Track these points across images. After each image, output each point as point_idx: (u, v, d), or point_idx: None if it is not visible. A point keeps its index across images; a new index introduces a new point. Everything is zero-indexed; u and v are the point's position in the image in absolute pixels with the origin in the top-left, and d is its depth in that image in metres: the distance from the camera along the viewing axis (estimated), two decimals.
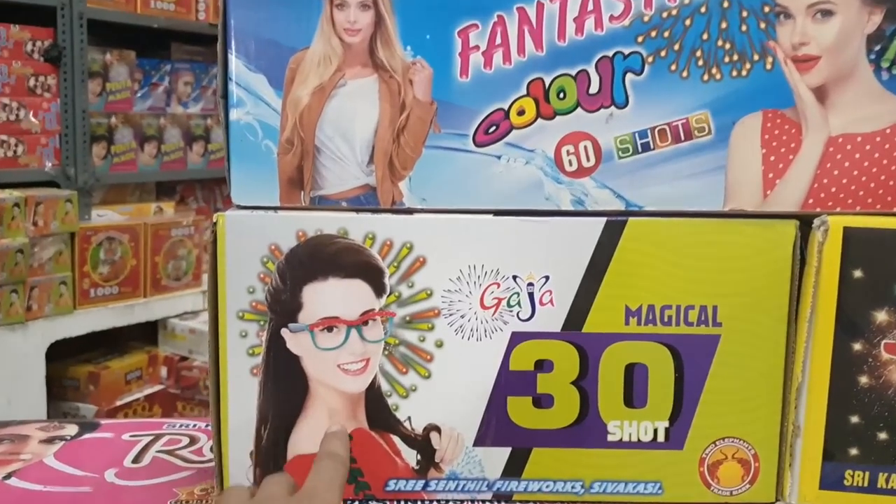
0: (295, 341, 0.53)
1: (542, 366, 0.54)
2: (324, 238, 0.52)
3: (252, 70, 0.52)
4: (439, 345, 0.53)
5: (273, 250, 0.52)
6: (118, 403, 2.25)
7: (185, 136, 2.61)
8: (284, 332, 0.53)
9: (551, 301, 0.53)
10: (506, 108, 0.52)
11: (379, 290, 0.53)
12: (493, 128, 0.53)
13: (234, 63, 0.52)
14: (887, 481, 0.53)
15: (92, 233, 2.21)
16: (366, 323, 0.53)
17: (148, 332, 2.44)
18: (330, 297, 0.53)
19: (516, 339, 0.53)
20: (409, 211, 0.53)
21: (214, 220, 0.53)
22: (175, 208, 2.64)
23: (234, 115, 0.53)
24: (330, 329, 0.53)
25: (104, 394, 2.23)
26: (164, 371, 2.41)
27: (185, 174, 2.65)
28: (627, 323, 0.53)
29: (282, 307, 0.53)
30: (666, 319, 0.53)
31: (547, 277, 0.53)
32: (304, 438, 0.54)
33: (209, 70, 2.69)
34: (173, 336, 2.46)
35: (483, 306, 0.53)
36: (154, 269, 2.35)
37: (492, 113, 0.52)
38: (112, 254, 2.27)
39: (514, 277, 0.53)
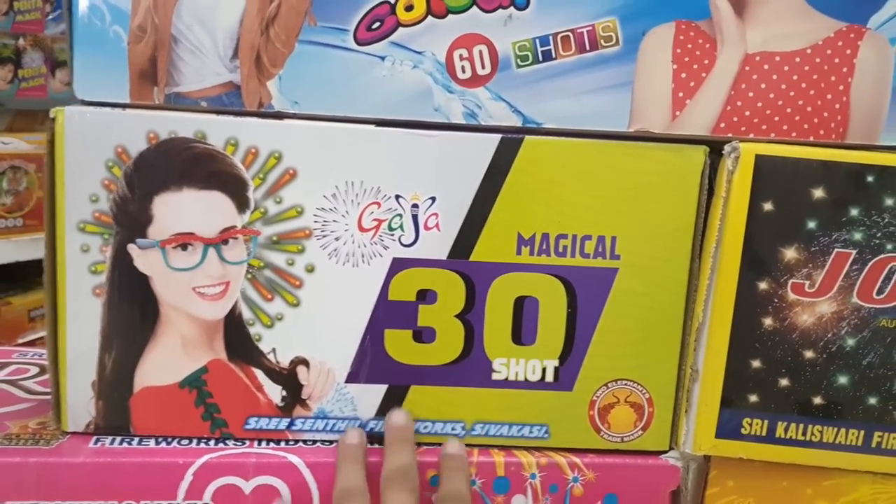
0: (144, 259, 0.47)
1: (425, 296, 0.48)
2: (178, 142, 0.46)
3: None
4: (310, 269, 0.48)
5: (120, 153, 0.46)
6: (20, 341, 2.14)
7: None
8: (132, 247, 0.47)
9: (437, 225, 0.48)
10: (392, 0, 0.46)
11: (241, 204, 0.47)
12: (377, 23, 0.46)
13: None
14: (785, 430, 0.50)
15: None
16: (226, 242, 0.47)
17: None
18: (185, 209, 0.46)
19: (397, 265, 0.48)
20: (279, 115, 0.47)
21: (52, 116, 0.46)
22: None
23: None
24: (184, 247, 0.47)
25: (4, 331, 2.11)
26: None
27: None
28: (519, 252, 0.48)
29: (129, 219, 0.46)
30: (561, 250, 0.48)
31: (433, 199, 0.48)
32: (154, 369, 0.48)
33: None
34: None
35: (361, 228, 0.48)
36: None
37: (376, 6, 0.46)
38: (16, 184, 2.14)
39: (397, 197, 0.48)
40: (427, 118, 0.48)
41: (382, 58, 0.47)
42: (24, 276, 2.30)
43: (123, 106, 0.46)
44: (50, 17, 2.37)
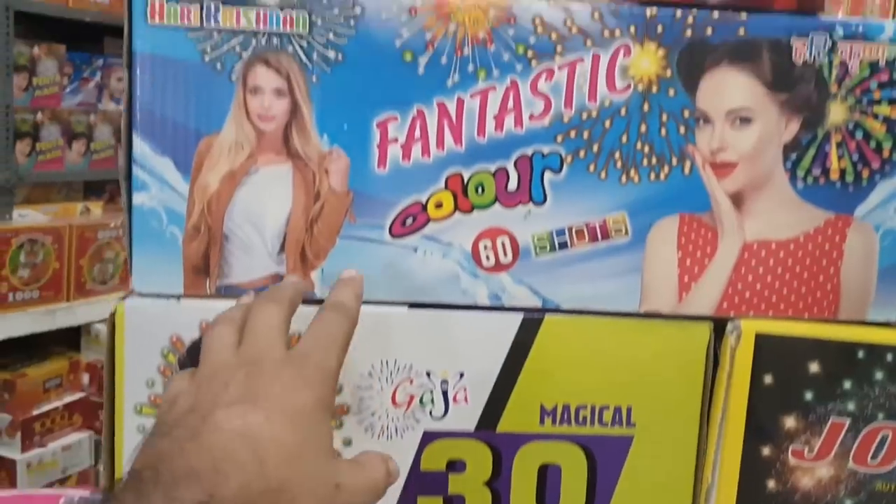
0: None
1: (455, 466, 0.53)
2: None
3: (158, 153, 0.50)
4: (347, 443, 0.52)
5: (175, 342, 0.50)
6: (35, 413, 2.17)
7: (117, 133, 2.53)
8: None
9: (465, 399, 0.52)
10: (423, 200, 0.51)
11: None
12: (411, 220, 0.51)
13: (139, 145, 0.50)
14: None
15: (12, 234, 2.13)
16: None
17: (70, 338, 2.37)
18: None
19: (428, 437, 0.52)
20: (320, 302, 0.51)
21: (113, 310, 0.50)
22: (104, 208, 2.56)
23: (137, 199, 0.50)
24: None
25: (21, 402, 2.15)
26: (86, 378, 2.34)
27: (116, 173, 2.57)
28: (542, 423, 0.53)
29: None
30: (581, 419, 0.53)
31: (461, 374, 0.52)
32: None
33: None
34: (97, 342, 2.38)
35: (395, 403, 0.52)
36: (79, 272, 2.28)
37: (409, 205, 0.51)
38: (34, 256, 2.19)
39: (428, 374, 0.52)
40: (455, 301, 0.52)
41: (415, 249, 0.51)
42: (40, 347, 2.34)
43: (178, 297, 0.51)
44: (67, 90, 2.44)
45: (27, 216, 2.28)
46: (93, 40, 2.56)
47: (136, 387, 0.50)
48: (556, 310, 0.52)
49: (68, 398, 2.26)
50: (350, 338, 0.42)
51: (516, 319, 0.52)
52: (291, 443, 0.36)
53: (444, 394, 0.52)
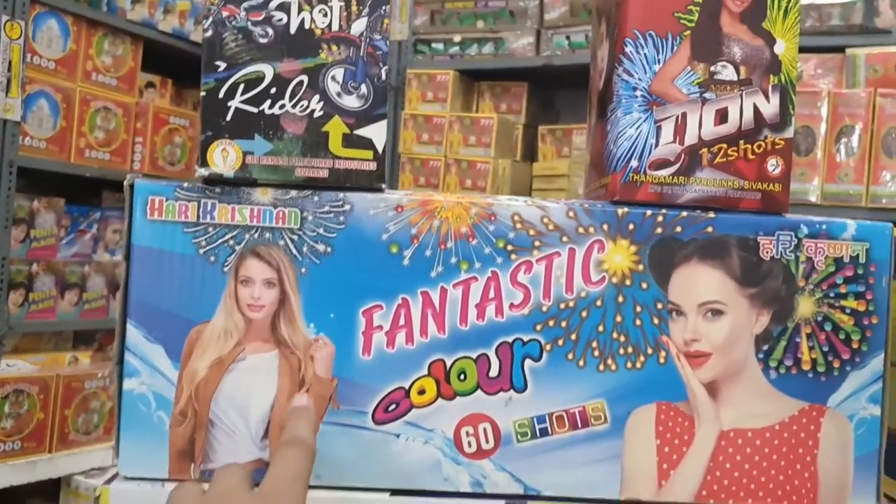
0: None
1: None
2: None
3: (150, 340, 0.51)
4: None
5: None
6: None
7: (110, 284, 2.56)
8: None
9: None
10: (406, 387, 0.52)
11: None
12: (393, 406, 0.52)
13: (132, 332, 0.51)
14: None
15: None
16: None
17: (49, 489, 2.30)
18: None
19: None
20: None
21: (97, 494, 0.50)
22: (92, 357, 2.55)
23: (127, 384, 0.51)
24: None
25: None
26: None
27: (107, 322, 2.58)
28: None
29: None
30: None
31: None
32: None
33: None
34: (76, 495, 2.32)
35: None
36: (63, 422, 2.25)
37: (392, 391, 0.52)
38: (18, 407, 2.17)
39: None
40: (437, 488, 0.52)
41: (397, 435, 0.52)
42: (17, 499, 2.28)
43: (163, 481, 0.51)
44: (63, 241, 2.49)
45: (15, 366, 2.27)
46: (91, 194, 2.64)
47: None
48: (538, 497, 0.53)
49: None
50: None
51: None
52: None
53: None
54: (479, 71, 2.73)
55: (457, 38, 2.77)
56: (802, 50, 2.19)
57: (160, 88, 2.72)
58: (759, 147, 0.53)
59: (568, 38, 2.60)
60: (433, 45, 2.80)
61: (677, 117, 0.53)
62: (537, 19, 2.66)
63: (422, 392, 0.52)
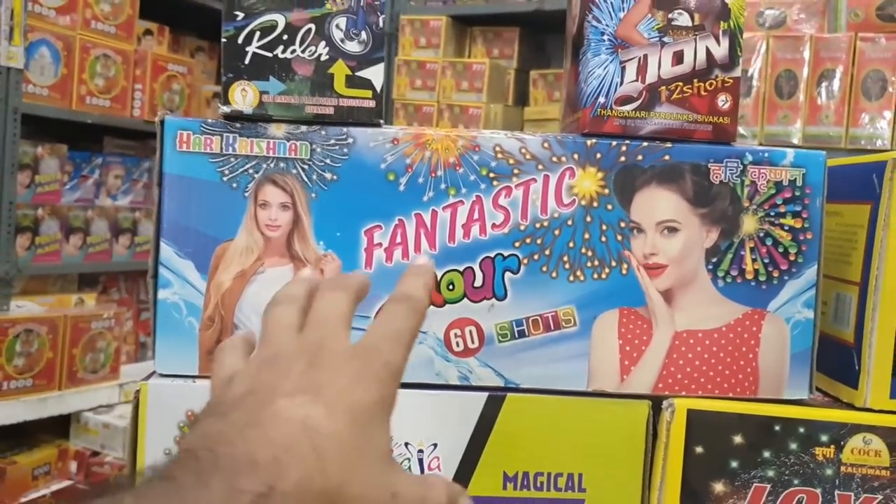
0: None
1: None
2: None
3: (181, 256, 0.59)
4: None
5: (190, 416, 0.59)
6: (23, 500, 2.20)
7: (112, 228, 2.63)
8: None
9: (438, 466, 0.60)
10: None
11: None
12: None
13: (165, 249, 0.59)
14: None
15: (9, 325, 2.20)
16: None
17: (59, 425, 2.41)
18: None
19: None
20: None
21: (137, 388, 0.59)
22: (97, 299, 2.64)
23: (161, 294, 0.59)
24: None
25: (9, 490, 2.18)
26: (73, 466, 2.37)
27: (110, 266, 2.66)
28: (505, 488, 0.61)
29: None
30: (538, 485, 0.61)
31: (435, 445, 0.60)
32: None
33: (140, 164, 2.75)
34: (86, 430, 2.43)
35: None
36: (71, 361, 2.34)
37: None
38: (29, 346, 2.26)
39: (406, 444, 0.60)
40: (430, 381, 0.61)
41: None
42: (29, 434, 2.38)
43: (193, 377, 0.60)
44: (67, 186, 2.55)
45: (24, 307, 2.36)
46: (93, 140, 2.69)
47: (156, 454, 0.58)
48: (517, 389, 0.61)
49: (56, 486, 2.29)
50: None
51: (482, 397, 0.61)
52: (351, 442, 0.34)
53: (420, 461, 0.60)
54: (472, 16, 2.78)
55: None
56: None
57: (157, 36, 2.76)
58: (710, 85, 0.61)
59: None
60: None
61: (639, 59, 0.61)
62: None
63: None
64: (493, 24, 2.76)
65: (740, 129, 2.34)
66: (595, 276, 0.61)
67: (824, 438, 0.60)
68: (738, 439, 0.60)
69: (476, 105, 2.64)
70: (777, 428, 0.60)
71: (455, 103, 2.67)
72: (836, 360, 0.65)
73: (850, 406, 0.62)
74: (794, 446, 0.60)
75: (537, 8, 2.62)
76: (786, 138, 2.30)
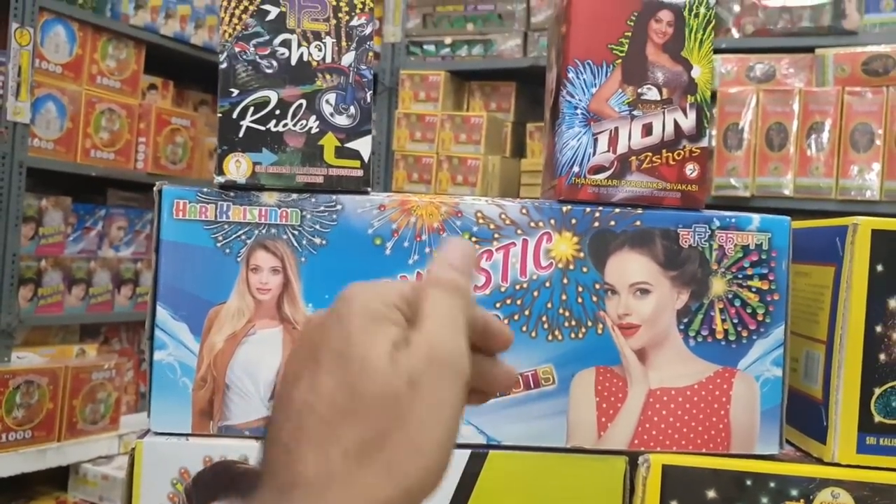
0: None
1: None
2: (227, 463, 0.61)
3: (176, 319, 0.62)
4: None
5: (182, 473, 0.61)
6: None
7: (115, 278, 2.67)
8: None
9: None
10: None
11: None
12: None
13: (161, 312, 0.62)
14: None
15: (10, 376, 2.22)
16: None
17: (59, 476, 2.41)
18: None
19: None
20: None
21: (133, 447, 0.61)
22: (98, 349, 2.66)
23: (157, 355, 0.62)
24: None
25: None
26: None
27: (112, 316, 2.69)
28: None
29: None
30: None
31: None
32: None
33: (143, 215, 2.79)
34: (84, 481, 2.43)
35: None
36: (71, 412, 2.35)
37: None
38: (29, 397, 2.27)
39: None
40: None
41: None
42: (27, 486, 2.39)
43: (187, 436, 0.62)
44: (70, 238, 2.60)
45: (25, 358, 2.38)
46: (97, 192, 2.74)
47: None
48: (498, 446, 0.64)
49: None
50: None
51: (465, 454, 0.63)
52: None
53: None
54: (470, 71, 2.84)
55: (448, 41, 2.87)
56: (776, 50, 2.30)
57: (162, 90, 2.83)
58: (678, 155, 0.64)
59: None
60: (425, 46, 2.90)
61: (611, 131, 0.64)
62: (524, 22, 2.77)
63: None
64: (490, 78, 2.82)
65: (732, 181, 2.39)
66: (572, 335, 0.64)
67: (794, 493, 0.62)
68: (711, 494, 0.62)
69: (474, 157, 2.68)
70: (749, 482, 0.62)
71: (454, 155, 2.72)
72: (807, 415, 0.67)
73: (820, 461, 0.65)
74: (765, 500, 0.62)
75: (533, 63, 2.68)
76: (777, 189, 2.34)
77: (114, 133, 2.56)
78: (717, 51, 2.49)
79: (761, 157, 2.35)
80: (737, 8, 2.51)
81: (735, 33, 2.51)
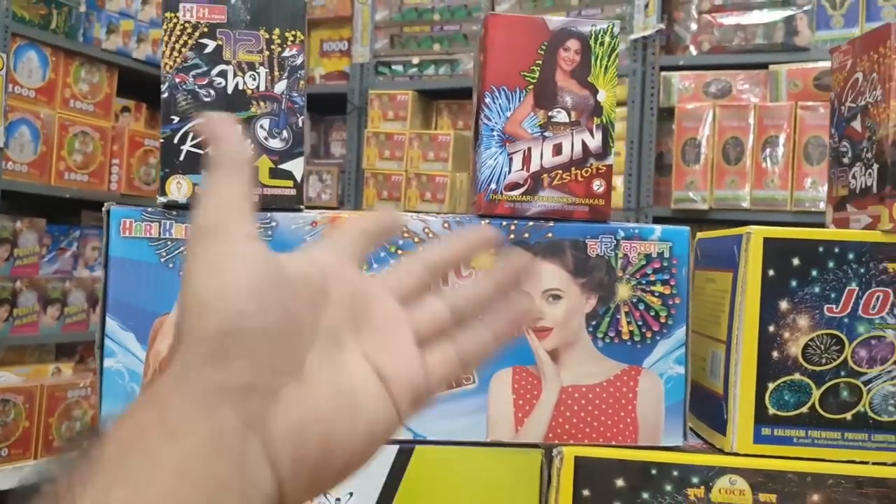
0: None
1: None
2: None
3: (124, 329, 0.67)
4: None
5: None
6: None
7: (89, 298, 2.70)
8: None
9: None
10: None
11: None
12: None
13: (110, 323, 0.67)
14: None
15: None
16: None
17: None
18: None
19: None
20: None
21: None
22: (74, 368, 2.69)
23: (107, 363, 0.67)
24: None
25: None
26: None
27: (87, 335, 2.72)
28: None
29: None
30: None
31: (351, 494, 0.68)
32: None
33: None
34: None
35: None
36: (47, 430, 2.38)
37: None
38: (5, 416, 2.30)
39: (325, 493, 0.68)
40: None
41: None
42: (4, 502, 2.41)
43: None
44: (45, 258, 2.63)
45: (1, 377, 2.41)
46: (71, 213, 2.78)
47: None
48: (424, 441, 0.69)
49: None
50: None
51: (393, 449, 0.68)
52: None
53: None
54: (437, 90, 2.90)
55: (415, 60, 2.94)
56: (731, 67, 2.38)
57: (135, 113, 2.87)
58: (586, 172, 0.70)
59: None
60: (393, 66, 2.97)
61: (524, 151, 0.70)
62: None
63: None
64: (457, 97, 2.89)
65: (691, 195, 2.46)
66: None
67: (695, 480, 0.68)
68: (620, 482, 0.68)
69: (442, 174, 2.74)
70: (654, 472, 0.68)
71: (422, 172, 2.78)
72: (712, 410, 0.73)
73: (721, 451, 0.70)
74: (668, 488, 0.68)
75: None
76: (735, 202, 2.41)
77: (87, 155, 2.60)
78: (674, 68, 2.57)
79: (719, 170, 2.43)
80: (694, 27, 2.60)
81: (693, 51, 2.60)
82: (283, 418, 0.34)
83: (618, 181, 2.58)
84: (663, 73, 2.56)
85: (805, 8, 2.42)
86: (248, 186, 0.38)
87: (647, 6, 2.58)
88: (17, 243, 2.47)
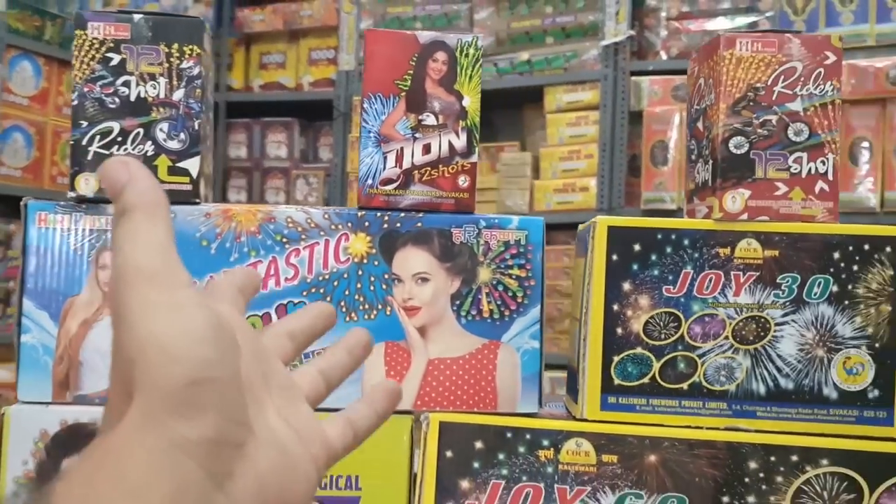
0: None
1: None
2: (79, 425, 0.75)
3: (39, 308, 0.76)
4: None
5: (43, 434, 0.75)
6: None
7: None
8: None
9: None
10: None
11: None
12: None
13: (26, 303, 0.76)
14: None
15: None
16: None
17: None
18: None
19: None
20: None
21: (2, 412, 0.75)
22: None
23: (24, 338, 0.76)
24: None
25: None
26: None
27: None
28: None
29: (45, 476, 0.75)
30: (322, 485, 0.77)
31: None
32: None
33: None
34: None
35: None
36: None
37: None
38: None
39: None
40: None
41: None
42: None
43: (47, 404, 0.76)
44: None
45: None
46: None
47: (16, 464, 0.75)
48: None
49: None
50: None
51: None
52: None
53: None
54: None
55: None
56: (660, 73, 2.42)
57: None
58: (452, 169, 0.79)
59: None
60: None
61: (397, 150, 0.79)
62: None
63: None
64: None
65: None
66: (366, 316, 0.78)
67: (546, 443, 0.76)
68: (479, 444, 0.76)
69: None
70: (509, 435, 0.76)
71: None
72: (572, 381, 0.81)
73: (572, 417, 0.79)
74: (522, 450, 0.76)
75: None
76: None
77: None
78: (644, 73, 2.65)
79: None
80: (664, 33, 2.67)
81: (663, 55, 2.67)
82: (247, 474, 0.33)
83: (590, 182, 2.66)
84: (633, 78, 2.64)
85: (768, 14, 2.49)
86: (171, 227, 0.36)
87: (618, 13, 2.66)
88: (11, 245, 2.58)
